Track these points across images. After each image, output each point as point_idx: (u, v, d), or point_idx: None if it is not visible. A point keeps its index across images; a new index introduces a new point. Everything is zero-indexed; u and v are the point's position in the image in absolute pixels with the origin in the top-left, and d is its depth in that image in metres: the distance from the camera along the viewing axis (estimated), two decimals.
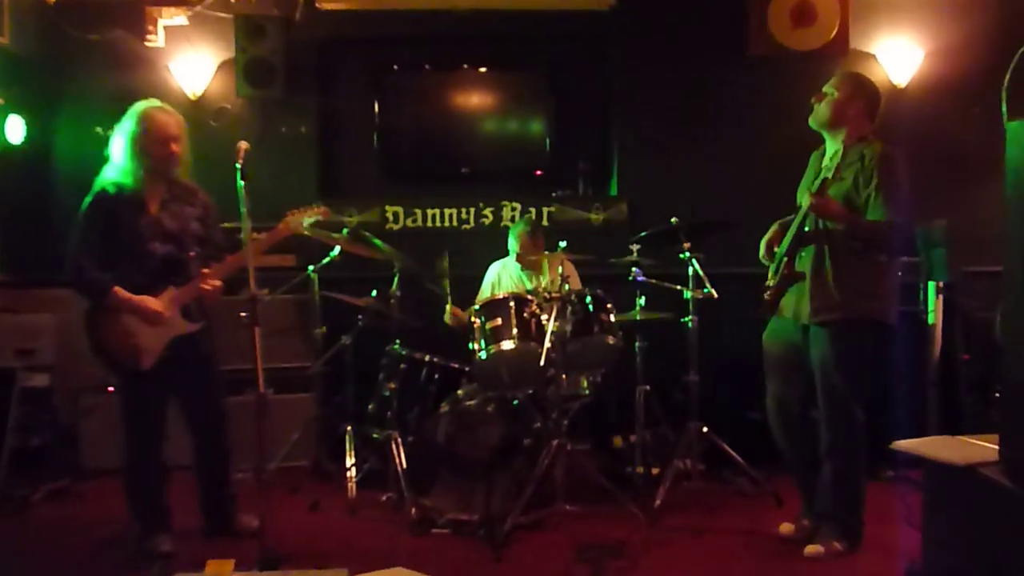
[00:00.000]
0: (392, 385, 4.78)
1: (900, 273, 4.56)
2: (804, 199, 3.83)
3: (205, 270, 3.83)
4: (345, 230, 4.83)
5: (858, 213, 3.79)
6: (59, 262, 5.83)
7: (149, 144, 3.74)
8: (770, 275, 4.05)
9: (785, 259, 3.90)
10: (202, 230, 3.92)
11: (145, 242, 3.76)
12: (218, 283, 3.85)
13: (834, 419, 3.86)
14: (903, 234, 3.88)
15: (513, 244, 5.33)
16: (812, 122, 3.99)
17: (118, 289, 3.72)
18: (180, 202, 3.89)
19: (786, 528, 4.18)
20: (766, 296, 3.99)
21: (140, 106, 3.84)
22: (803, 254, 3.90)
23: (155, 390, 3.86)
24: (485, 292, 5.44)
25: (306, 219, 4.17)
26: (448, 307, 5.26)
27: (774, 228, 4.17)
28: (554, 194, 6.19)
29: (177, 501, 4.10)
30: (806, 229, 3.88)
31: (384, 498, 4.64)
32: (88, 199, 3.81)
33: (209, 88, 6.04)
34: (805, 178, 4.13)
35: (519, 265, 5.35)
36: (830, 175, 3.77)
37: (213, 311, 4.02)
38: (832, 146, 3.94)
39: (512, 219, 6.09)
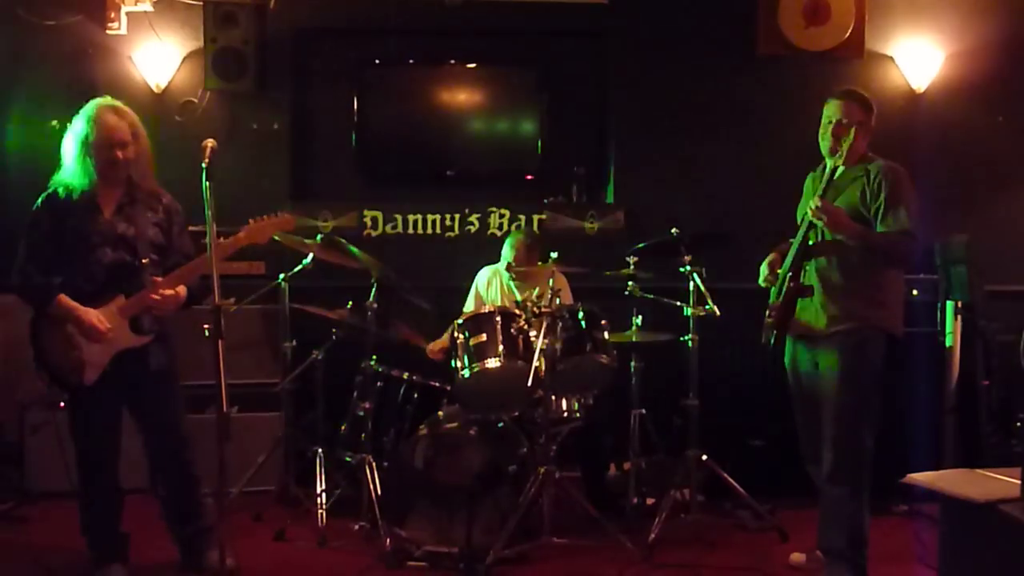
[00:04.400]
0: (367, 405, 4.74)
1: (914, 292, 4.60)
2: (809, 208, 3.88)
3: (157, 278, 3.80)
4: (319, 236, 4.83)
5: (867, 227, 3.89)
6: (7, 265, 5.80)
7: (95, 148, 3.75)
8: (772, 296, 4.14)
9: (790, 274, 3.97)
10: (161, 237, 3.90)
11: (94, 248, 3.77)
12: (170, 292, 3.80)
13: (839, 437, 3.92)
14: (914, 243, 3.95)
15: (508, 252, 5.30)
16: (834, 157, 3.95)
17: (63, 297, 3.73)
18: (140, 206, 3.88)
19: (797, 558, 4.23)
20: (770, 318, 4.05)
21: (91, 105, 3.85)
22: (808, 268, 3.98)
23: (102, 407, 3.85)
24: (470, 303, 5.44)
25: (275, 233, 4.14)
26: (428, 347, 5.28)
27: (773, 255, 4.24)
28: (546, 200, 6.17)
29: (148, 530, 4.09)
30: (810, 243, 3.95)
31: (356, 527, 4.60)
32: (38, 201, 3.84)
33: (174, 80, 6.00)
34: (804, 200, 4.21)
35: (509, 274, 5.33)
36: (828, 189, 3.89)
37: (174, 322, 3.98)
38: (832, 163, 3.97)
39: (500, 227, 6.08)
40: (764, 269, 4.22)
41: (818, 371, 4.03)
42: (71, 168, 3.80)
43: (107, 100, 3.89)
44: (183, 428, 4.03)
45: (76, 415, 3.90)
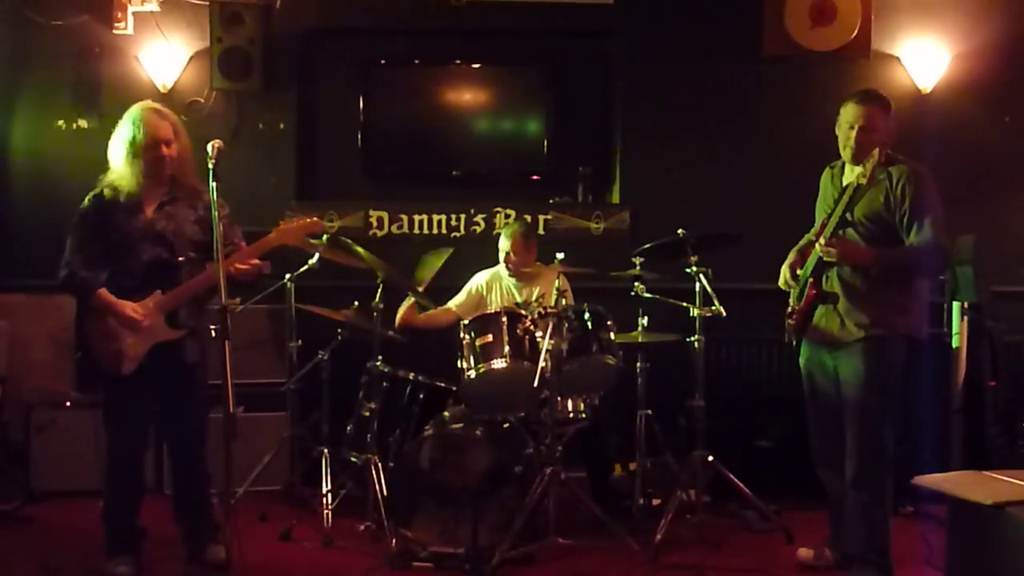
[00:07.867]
0: (372, 405, 4.74)
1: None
2: (816, 248, 3.90)
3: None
4: (325, 236, 4.82)
5: (892, 232, 3.87)
6: (14, 265, 5.83)
7: (141, 148, 3.92)
8: (792, 298, 4.11)
9: (811, 280, 3.97)
10: (202, 234, 4.02)
11: (134, 245, 3.94)
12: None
13: (863, 443, 3.91)
14: (941, 253, 3.94)
15: (504, 244, 5.29)
16: (855, 160, 3.96)
17: (103, 291, 3.90)
18: (182, 204, 4.04)
19: (804, 553, 4.23)
20: (791, 320, 4.04)
21: (134, 108, 4.03)
22: (830, 275, 3.97)
23: (136, 398, 3.99)
24: (461, 297, 5.43)
25: (306, 235, 4.33)
26: (403, 306, 5.27)
27: (793, 254, 4.22)
28: (551, 200, 6.17)
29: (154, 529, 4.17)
30: (827, 260, 3.93)
31: (362, 528, 4.60)
32: (85, 200, 4.02)
33: (181, 80, 6.01)
34: (821, 198, 4.21)
35: (509, 274, 5.32)
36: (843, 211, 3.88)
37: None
38: (856, 179, 3.90)
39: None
40: (785, 271, 4.19)
41: (839, 376, 4.01)
42: (118, 169, 3.96)
43: (149, 103, 4.08)
44: (204, 424, 4.18)
45: (111, 406, 4.06)
